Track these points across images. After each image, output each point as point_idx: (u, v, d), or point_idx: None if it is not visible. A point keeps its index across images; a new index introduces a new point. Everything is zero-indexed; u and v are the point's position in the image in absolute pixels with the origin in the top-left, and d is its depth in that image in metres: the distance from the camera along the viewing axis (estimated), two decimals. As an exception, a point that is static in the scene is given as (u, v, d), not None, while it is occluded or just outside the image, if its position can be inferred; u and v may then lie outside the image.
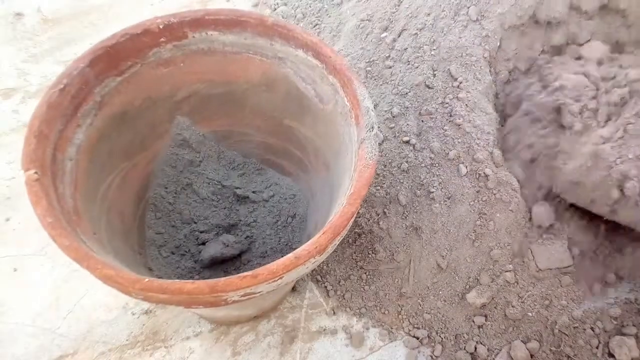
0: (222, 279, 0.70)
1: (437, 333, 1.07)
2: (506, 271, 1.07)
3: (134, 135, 1.03)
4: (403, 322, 1.08)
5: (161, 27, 0.95)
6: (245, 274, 0.70)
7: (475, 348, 1.04)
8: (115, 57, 0.93)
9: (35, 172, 0.76)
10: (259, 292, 0.74)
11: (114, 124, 0.98)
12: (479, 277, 1.08)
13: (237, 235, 1.04)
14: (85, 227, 0.82)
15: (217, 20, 0.98)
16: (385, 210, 1.12)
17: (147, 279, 0.69)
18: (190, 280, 0.71)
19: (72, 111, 0.88)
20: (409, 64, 1.22)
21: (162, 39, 0.97)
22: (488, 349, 1.04)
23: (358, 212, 1.11)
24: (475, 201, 1.09)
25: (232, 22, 0.98)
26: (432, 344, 1.06)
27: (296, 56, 0.99)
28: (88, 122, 0.92)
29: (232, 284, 0.70)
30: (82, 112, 0.90)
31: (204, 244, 1.02)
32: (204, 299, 0.71)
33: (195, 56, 1.02)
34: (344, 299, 1.10)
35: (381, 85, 1.23)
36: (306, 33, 0.96)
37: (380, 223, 1.12)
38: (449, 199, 1.10)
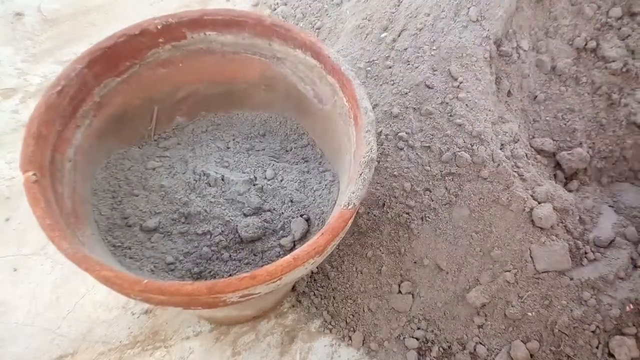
0: (221, 280, 0.71)
1: (437, 333, 1.07)
2: (506, 271, 1.06)
3: (132, 136, 1.03)
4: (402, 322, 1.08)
5: (159, 27, 0.96)
6: (244, 275, 0.70)
7: (475, 348, 1.04)
8: (113, 58, 0.94)
9: (34, 174, 0.76)
10: (258, 293, 0.74)
11: (113, 124, 0.98)
12: (479, 277, 1.07)
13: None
14: (84, 228, 0.82)
15: (215, 21, 0.98)
16: (385, 210, 1.12)
17: (145, 281, 0.69)
18: (189, 282, 0.71)
19: (71, 112, 0.88)
20: (409, 64, 1.22)
21: (160, 40, 0.98)
22: (488, 349, 1.04)
23: (358, 212, 1.11)
24: (475, 201, 1.09)
25: (230, 23, 0.99)
26: (432, 344, 1.06)
27: (295, 56, 0.99)
28: (87, 122, 0.92)
29: (231, 285, 0.70)
30: (81, 113, 0.90)
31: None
32: (203, 300, 0.72)
33: (194, 56, 1.02)
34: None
35: (381, 85, 1.23)
36: (305, 33, 0.96)
37: (380, 223, 1.12)
38: (449, 198, 1.10)
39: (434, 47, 1.21)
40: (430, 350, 1.05)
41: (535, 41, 1.31)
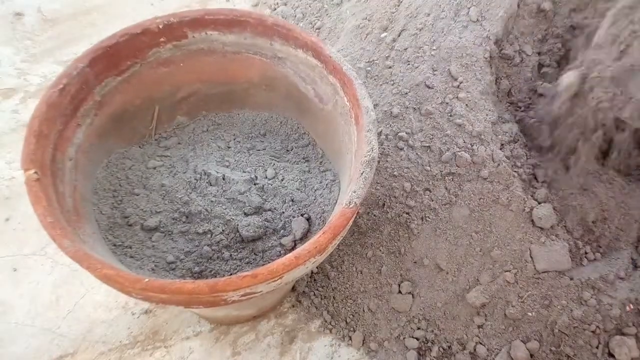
0: (222, 278, 0.71)
1: (437, 333, 1.07)
2: (506, 271, 1.07)
3: (133, 135, 1.03)
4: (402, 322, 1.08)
5: (161, 27, 0.96)
6: (245, 273, 0.70)
7: (475, 348, 1.04)
8: (115, 57, 0.94)
9: (35, 172, 0.76)
10: (259, 292, 0.74)
11: (114, 123, 0.98)
12: (479, 277, 1.08)
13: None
14: (85, 226, 0.82)
15: (216, 20, 0.98)
16: (385, 210, 1.13)
17: (147, 279, 0.69)
18: (191, 280, 0.71)
19: (72, 111, 0.88)
20: (409, 64, 1.22)
21: (161, 39, 0.98)
22: (488, 349, 1.04)
23: (358, 212, 1.11)
24: (475, 201, 1.09)
25: (231, 22, 0.99)
26: (432, 344, 1.06)
27: (296, 56, 1.00)
28: (88, 121, 0.92)
29: (232, 283, 0.70)
30: (82, 112, 0.91)
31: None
32: (204, 299, 0.72)
33: (195, 56, 1.02)
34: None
35: (381, 85, 1.23)
36: (306, 33, 0.96)
37: (380, 223, 1.12)
38: (449, 198, 1.10)
39: (434, 47, 1.21)
40: (430, 350, 1.05)
41: (539, 49, 1.32)
